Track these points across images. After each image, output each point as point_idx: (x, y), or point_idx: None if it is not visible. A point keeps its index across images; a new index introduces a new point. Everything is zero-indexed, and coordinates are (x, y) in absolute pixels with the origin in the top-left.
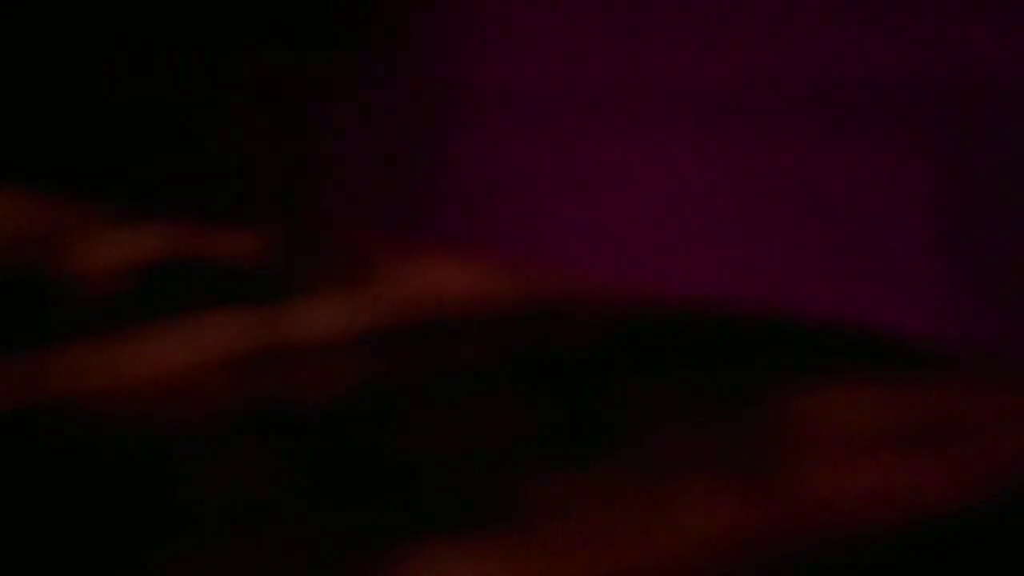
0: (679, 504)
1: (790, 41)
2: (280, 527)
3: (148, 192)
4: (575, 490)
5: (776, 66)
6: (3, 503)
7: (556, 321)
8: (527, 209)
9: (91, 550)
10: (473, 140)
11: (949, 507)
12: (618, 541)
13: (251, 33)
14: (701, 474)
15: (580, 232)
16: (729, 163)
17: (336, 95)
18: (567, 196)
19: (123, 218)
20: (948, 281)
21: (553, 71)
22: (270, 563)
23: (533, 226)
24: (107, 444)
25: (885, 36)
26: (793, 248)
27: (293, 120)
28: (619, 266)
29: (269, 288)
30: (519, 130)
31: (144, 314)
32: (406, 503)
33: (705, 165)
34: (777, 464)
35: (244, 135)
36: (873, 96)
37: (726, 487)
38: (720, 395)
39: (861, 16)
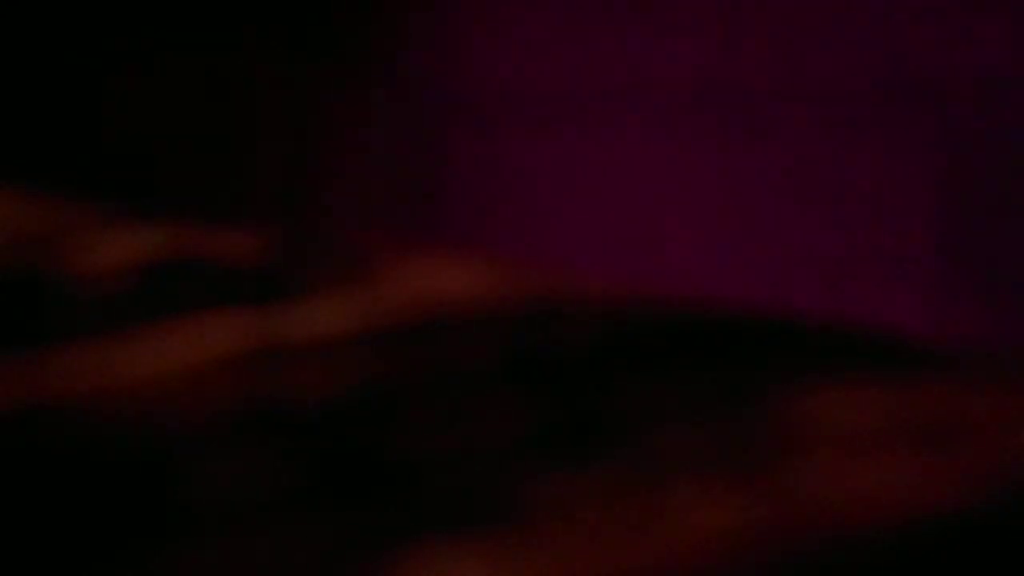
0: (679, 504)
1: (790, 42)
2: (280, 527)
3: (148, 192)
4: (575, 490)
5: (776, 66)
6: (3, 503)
7: (556, 321)
8: (527, 209)
9: (91, 550)
10: (473, 140)
11: (949, 507)
12: (618, 541)
13: (251, 33)
14: (701, 474)
15: (580, 232)
16: (729, 163)
17: (336, 95)
18: (567, 196)
19: (123, 218)
20: (948, 281)
21: (553, 72)
22: (270, 563)
23: (533, 226)
24: (107, 444)
25: (885, 36)
26: (793, 248)
27: (293, 120)
28: (619, 266)
29: (269, 288)
30: (519, 130)
31: (144, 314)
32: (406, 503)
33: (705, 165)
34: (777, 464)
35: (244, 135)
36: (873, 96)
37: (726, 487)
38: (720, 395)
39: (861, 16)
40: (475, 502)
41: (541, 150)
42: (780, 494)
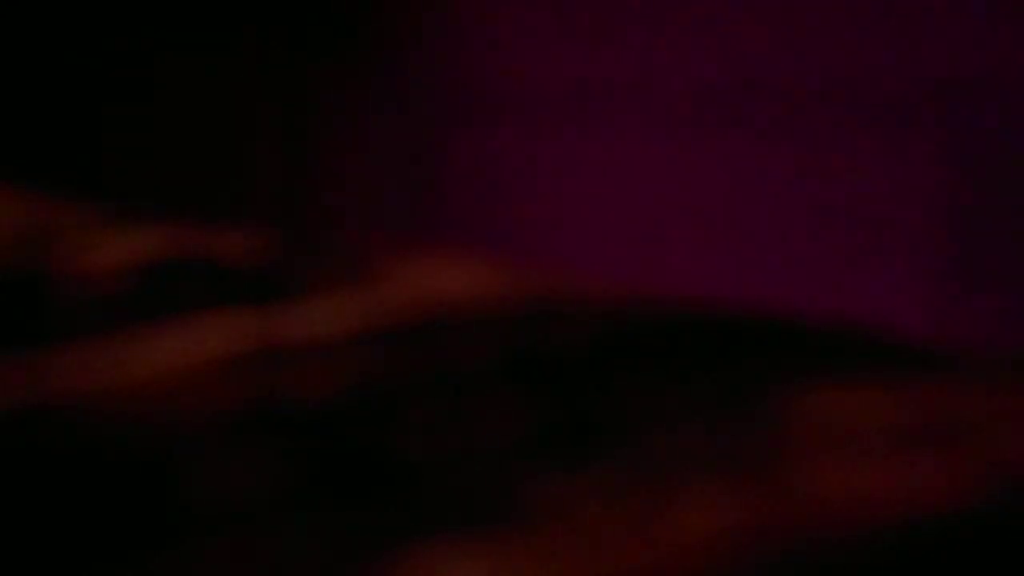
0: (679, 504)
1: (791, 42)
2: (280, 527)
3: (148, 192)
4: (575, 490)
5: (777, 66)
6: (3, 503)
7: (556, 321)
8: (527, 209)
9: (92, 550)
10: (473, 140)
11: (949, 507)
12: (618, 541)
13: (251, 33)
14: (701, 474)
15: (580, 232)
16: (729, 163)
17: (336, 95)
18: (567, 196)
19: (123, 218)
20: (948, 281)
21: (553, 72)
22: (270, 563)
23: (533, 226)
24: (107, 444)
25: (886, 36)
26: (793, 248)
27: (293, 120)
28: (619, 266)
29: (269, 288)
30: (519, 130)
31: (144, 314)
32: (406, 503)
33: (705, 165)
34: (777, 464)
35: (244, 135)
36: (874, 96)
37: (726, 487)
38: (720, 395)
39: (862, 16)
40: (475, 502)
41: (541, 150)
42: (780, 494)
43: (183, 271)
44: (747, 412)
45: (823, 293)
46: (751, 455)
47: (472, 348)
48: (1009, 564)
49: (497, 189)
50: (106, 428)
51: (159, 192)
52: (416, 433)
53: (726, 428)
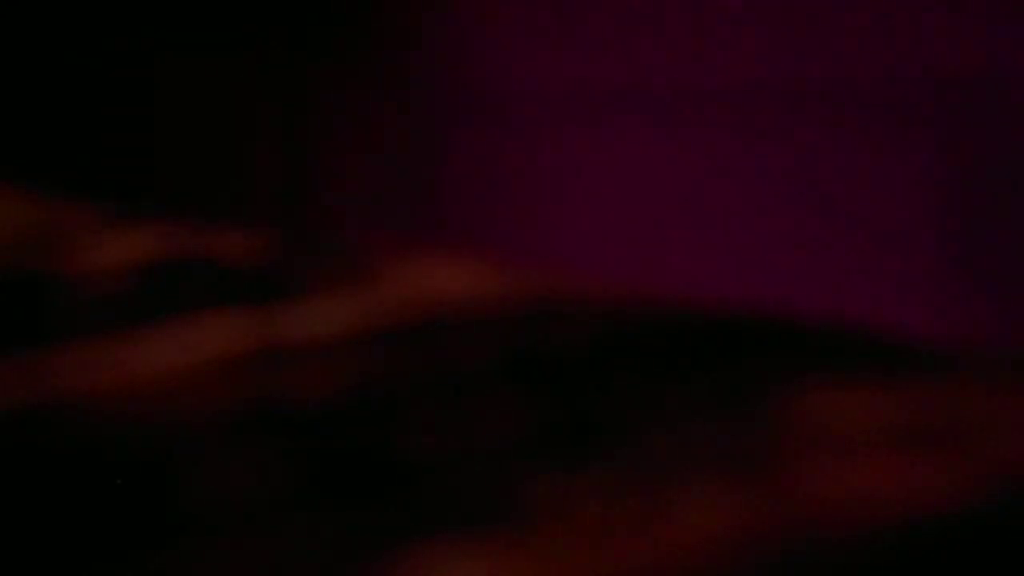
0: (679, 504)
1: (791, 41)
2: (280, 527)
3: (148, 192)
4: (575, 490)
5: (777, 66)
6: (3, 503)
7: (556, 321)
8: (527, 209)
9: (91, 550)
10: (473, 140)
11: (949, 507)
12: (618, 541)
13: (251, 33)
14: (701, 474)
15: (580, 232)
16: (729, 163)
17: (336, 95)
18: (567, 196)
19: (123, 218)
20: (948, 281)
21: (553, 72)
22: (270, 563)
23: (533, 226)
24: (107, 444)
25: (885, 36)
26: (793, 248)
27: (293, 120)
28: (619, 266)
29: (269, 288)
30: (519, 130)
31: (144, 314)
32: (406, 503)
33: (705, 165)
34: (777, 464)
35: (244, 135)
36: (875, 96)
37: (726, 487)
38: (720, 395)
39: (862, 15)
40: (475, 502)
41: (541, 150)
42: (780, 494)
43: (183, 271)
44: (747, 412)
45: (823, 293)
46: (751, 455)
47: (472, 348)
48: (1009, 564)
49: (497, 189)
50: (106, 428)
51: (159, 192)
52: (416, 433)
53: (726, 428)
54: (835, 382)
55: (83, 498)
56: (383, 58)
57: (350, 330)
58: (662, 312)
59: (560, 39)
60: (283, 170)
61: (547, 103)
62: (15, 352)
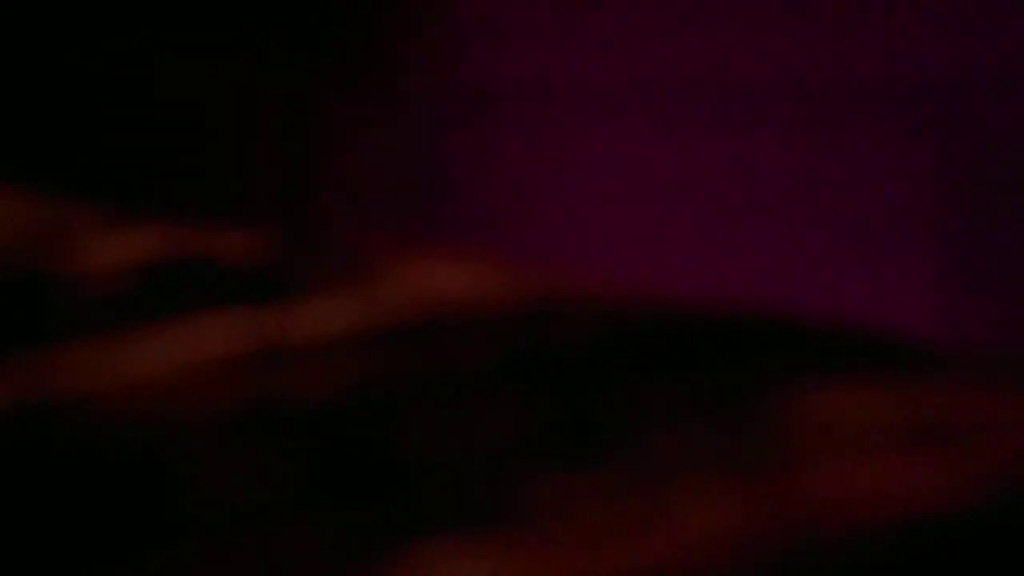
0: (679, 504)
1: (791, 41)
2: (280, 527)
3: (148, 192)
4: (575, 490)
5: (777, 66)
6: (3, 503)
7: (556, 321)
8: (527, 209)
9: (91, 550)
10: (473, 140)
11: (949, 507)
12: (618, 541)
13: (251, 33)
14: (701, 474)
15: (580, 232)
16: (729, 163)
17: (336, 95)
18: (567, 196)
19: (123, 218)
20: (948, 281)
21: (553, 72)
22: (270, 563)
23: (533, 226)
24: (107, 444)
25: (887, 35)
26: (793, 248)
27: (293, 120)
28: (619, 266)
29: (269, 288)
30: (519, 130)
31: (144, 314)
32: (406, 503)
33: (705, 165)
34: (777, 464)
35: (244, 135)
36: (873, 96)
37: (726, 487)
38: (720, 395)
39: (861, 15)
40: (475, 502)
41: (541, 150)
42: (780, 494)
43: (183, 271)
44: (747, 412)
45: (823, 293)
46: (751, 455)
47: (472, 348)
48: (1009, 564)
49: (497, 189)
50: (106, 428)
51: (159, 192)
52: (416, 433)
53: (726, 428)
54: (835, 382)
55: (83, 498)
56: (383, 58)
57: (350, 330)
58: (662, 312)
59: (560, 38)
60: (283, 170)
61: (547, 102)
62: (15, 352)
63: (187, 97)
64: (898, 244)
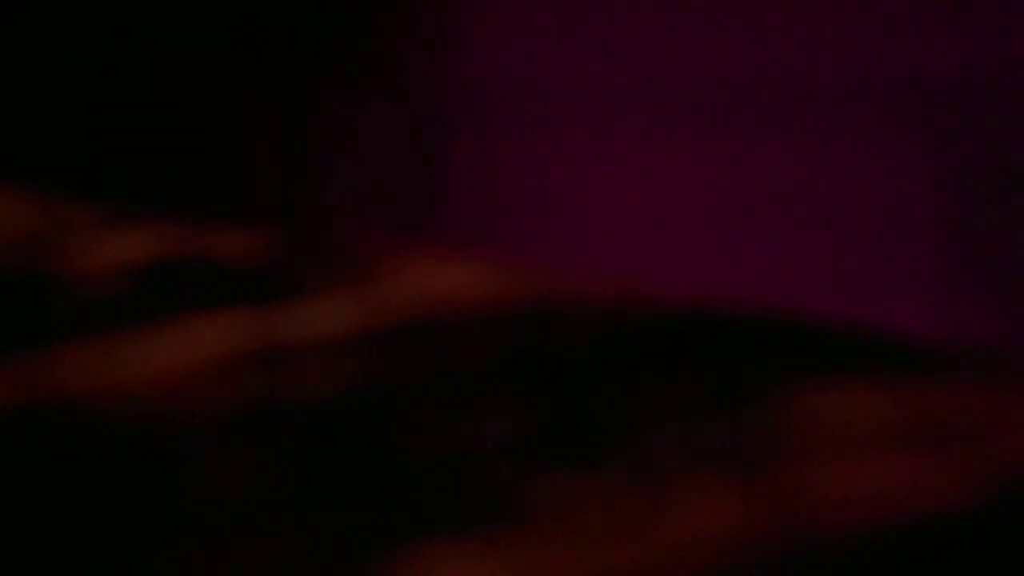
0: (679, 504)
1: (792, 42)
2: (280, 527)
3: (148, 192)
4: (575, 490)
5: (778, 66)
6: (3, 503)
7: (556, 321)
8: (527, 209)
9: (91, 550)
10: (473, 140)
11: (949, 507)
12: (618, 541)
13: (251, 33)
14: (701, 474)
15: (580, 232)
16: (729, 163)
17: (336, 95)
18: (567, 196)
19: (123, 218)
20: (948, 281)
21: (553, 72)
22: (270, 563)
23: (533, 226)
24: (107, 444)
25: (885, 36)
26: (794, 248)
27: (293, 120)
28: (619, 266)
29: (269, 288)
30: (519, 130)
31: (144, 314)
32: (406, 503)
33: (705, 165)
34: (777, 464)
35: (244, 135)
36: (873, 96)
37: (726, 487)
38: (720, 395)
39: (861, 16)
40: (475, 502)
41: (541, 150)
42: (780, 494)
43: (183, 271)
44: (747, 412)
45: (823, 293)
46: (751, 455)
47: (472, 348)
48: (1009, 564)
49: (497, 189)
50: (106, 428)
51: (159, 192)
52: (416, 433)
53: (726, 428)
54: (835, 382)
55: (83, 498)
56: (383, 58)
57: (350, 330)
58: (662, 312)
59: (560, 39)
60: (283, 170)
61: (547, 103)
62: (15, 352)
63: (187, 97)
64: (898, 244)
